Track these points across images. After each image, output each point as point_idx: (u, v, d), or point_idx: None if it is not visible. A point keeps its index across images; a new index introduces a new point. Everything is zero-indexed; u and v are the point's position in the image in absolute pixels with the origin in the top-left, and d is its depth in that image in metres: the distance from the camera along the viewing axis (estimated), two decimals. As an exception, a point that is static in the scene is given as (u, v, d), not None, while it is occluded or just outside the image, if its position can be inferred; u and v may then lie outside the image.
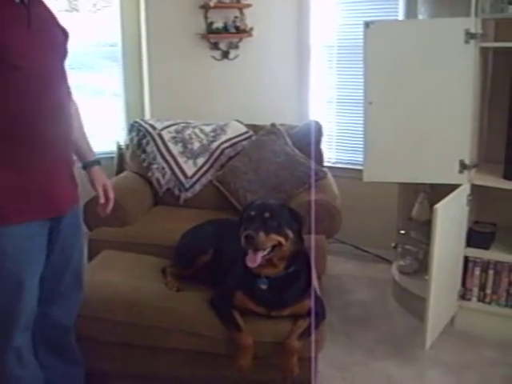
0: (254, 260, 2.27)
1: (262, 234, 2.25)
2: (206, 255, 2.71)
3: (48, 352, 2.15)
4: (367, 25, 2.90)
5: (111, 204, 2.23)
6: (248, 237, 2.24)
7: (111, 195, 2.22)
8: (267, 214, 2.30)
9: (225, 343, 2.38)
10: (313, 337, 2.33)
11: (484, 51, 2.95)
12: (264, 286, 2.36)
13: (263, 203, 2.42)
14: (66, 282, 2.10)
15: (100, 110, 4.61)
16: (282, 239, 2.31)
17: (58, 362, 2.20)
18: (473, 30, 2.76)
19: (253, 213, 2.33)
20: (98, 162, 2.25)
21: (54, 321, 2.12)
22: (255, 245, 2.25)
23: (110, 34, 4.43)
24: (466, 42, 2.78)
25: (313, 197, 3.07)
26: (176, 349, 2.47)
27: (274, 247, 2.30)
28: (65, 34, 2.08)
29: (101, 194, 2.19)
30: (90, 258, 3.07)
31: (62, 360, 2.21)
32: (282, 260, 2.36)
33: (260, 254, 2.27)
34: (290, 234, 2.33)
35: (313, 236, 2.77)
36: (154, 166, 3.66)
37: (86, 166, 2.22)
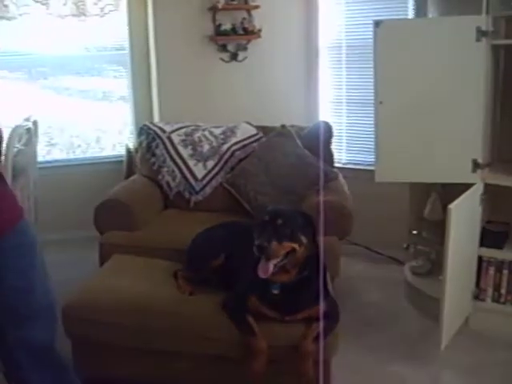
0: (266, 270, 2.26)
1: (274, 243, 2.23)
2: (218, 259, 2.69)
3: (38, 374, 2.04)
4: (377, 24, 2.88)
5: None
6: (260, 246, 2.22)
7: None
8: (280, 221, 2.28)
9: (239, 347, 2.36)
10: (321, 341, 2.30)
11: (495, 49, 2.92)
12: (276, 291, 2.35)
13: (276, 209, 2.40)
14: (33, 304, 1.98)
15: (108, 114, 4.62)
16: (295, 246, 2.29)
17: (50, 377, 2.09)
18: (484, 28, 2.73)
19: (265, 220, 2.31)
20: None
21: (33, 344, 2.01)
22: (268, 254, 2.23)
23: (117, 38, 4.43)
24: (478, 39, 2.75)
25: (321, 198, 3.04)
26: (189, 353, 2.46)
27: (287, 254, 2.28)
28: None
29: None
30: (101, 263, 3.06)
31: (53, 374, 2.10)
32: (296, 266, 2.34)
33: (272, 263, 2.25)
34: (304, 239, 2.31)
35: (322, 238, 2.73)
36: (164, 169, 3.65)
37: None
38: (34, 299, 1.98)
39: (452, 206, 2.64)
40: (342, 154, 4.28)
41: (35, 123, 3.43)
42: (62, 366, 2.15)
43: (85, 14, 4.27)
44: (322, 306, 2.35)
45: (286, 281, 2.34)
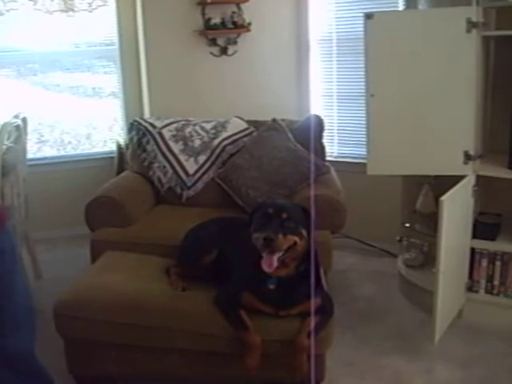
0: (271, 264, 2.24)
1: (280, 236, 2.23)
2: (211, 255, 2.69)
3: (16, 381, 2.01)
4: (368, 16, 2.86)
5: None
6: (267, 239, 2.21)
7: None
8: (285, 215, 2.27)
9: (232, 342, 2.35)
10: (312, 337, 2.30)
11: (486, 40, 2.91)
12: (272, 286, 2.34)
13: (279, 203, 2.41)
14: (14, 311, 1.94)
15: (99, 110, 4.60)
16: (297, 239, 2.29)
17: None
18: (474, 19, 2.72)
19: (269, 212, 2.29)
20: None
21: (12, 352, 1.96)
22: (274, 247, 2.22)
23: (106, 34, 4.41)
24: (468, 31, 2.74)
25: (312, 191, 3.03)
26: (183, 349, 2.45)
27: (288, 248, 2.28)
28: None
29: None
30: (93, 259, 3.05)
31: (31, 380, 2.06)
32: (295, 260, 2.33)
33: (276, 257, 2.24)
34: (305, 233, 2.32)
35: (313, 232, 2.72)
36: (155, 165, 3.63)
37: None
38: (15, 305, 1.94)
39: (444, 198, 2.63)
40: (334, 148, 4.26)
41: (24, 120, 3.40)
42: (40, 371, 2.10)
43: (73, 10, 4.23)
44: (315, 301, 2.35)
45: (285, 275, 2.32)
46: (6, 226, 1.95)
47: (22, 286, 2.01)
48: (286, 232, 2.25)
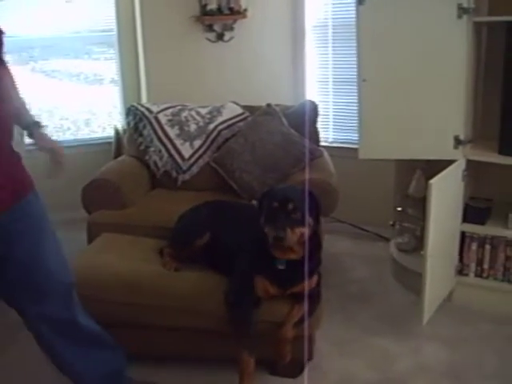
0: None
1: (288, 231, 2.24)
2: (202, 238, 2.71)
3: (62, 342, 2.10)
4: (360, 2, 2.89)
5: (60, 168, 2.15)
6: (278, 238, 2.24)
7: (61, 158, 2.13)
8: (291, 206, 2.27)
9: (222, 320, 2.40)
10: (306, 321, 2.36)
11: (477, 26, 2.92)
12: (282, 267, 2.35)
13: (284, 194, 2.34)
14: (44, 278, 1.99)
15: (97, 96, 4.63)
16: (305, 230, 2.31)
17: (73, 347, 2.14)
18: (465, 5, 2.74)
19: (275, 206, 2.29)
20: (38, 124, 2.14)
21: (54, 317, 2.04)
22: (284, 245, 2.26)
23: (104, 20, 4.42)
24: (459, 16, 2.76)
25: (307, 175, 3.05)
26: (175, 327, 2.51)
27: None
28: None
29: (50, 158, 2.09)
30: (90, 241, 3.09)
31: (78, 346, 2.15)
32: (302, 245, 2.34)
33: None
34: (311, 221, 2.34)
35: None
36: (151, 149, 3.67)
37: (29, 131, 2.11)
38: (42, 274, 1.99)
39: (433, 181, 2.67)
40: (329, 133, 4.30)
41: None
42: (91, 341, 2.18)
43: (71, -4, 4.24)
44: (315, 278, 2.44)
45: (294, 258, 2.35)
46: (35, 189, 2.01)
47: (55, 254, 2.05)
48: (293, 225, 2.26)
